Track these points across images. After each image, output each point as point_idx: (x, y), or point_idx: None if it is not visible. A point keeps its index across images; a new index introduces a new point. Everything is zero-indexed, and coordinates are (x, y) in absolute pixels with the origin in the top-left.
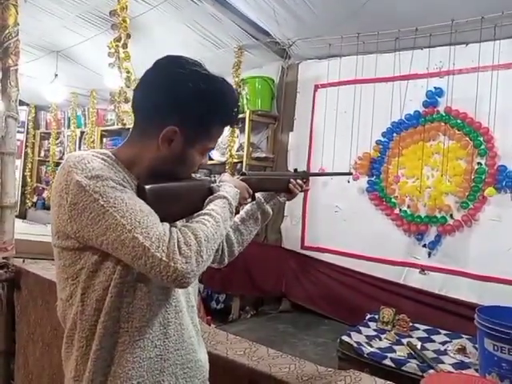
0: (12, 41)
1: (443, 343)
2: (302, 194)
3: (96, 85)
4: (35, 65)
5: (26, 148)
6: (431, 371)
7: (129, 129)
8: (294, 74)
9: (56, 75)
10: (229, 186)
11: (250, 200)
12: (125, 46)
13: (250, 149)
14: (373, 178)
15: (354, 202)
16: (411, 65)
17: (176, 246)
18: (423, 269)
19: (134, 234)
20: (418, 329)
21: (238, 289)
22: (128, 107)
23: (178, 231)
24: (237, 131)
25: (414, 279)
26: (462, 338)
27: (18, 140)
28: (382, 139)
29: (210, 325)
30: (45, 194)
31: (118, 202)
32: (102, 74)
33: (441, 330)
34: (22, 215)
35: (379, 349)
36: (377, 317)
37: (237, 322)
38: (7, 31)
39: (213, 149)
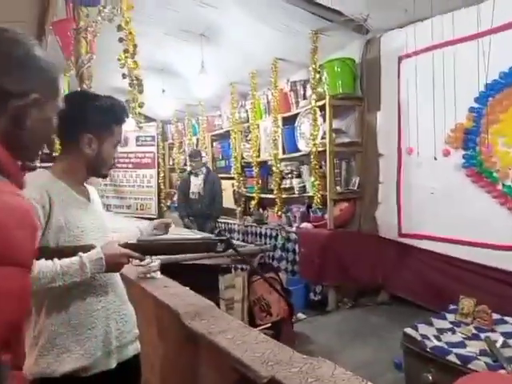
0: (84, 68)
1: None
2: (395, 177)
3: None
4: (147, 83)
5: (158, 159)
6: (502, 371)
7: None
8: (376, 48)
9: (163, 91)
10: (95, 252)
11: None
12: (133, 55)
13: (333, 135)
14: (468, 152)
15: (450, 180)
16: None
17: None
18: None
19: None
20: (506, 322)
21: (332, 280)
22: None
23: None
24: (320, 119)
25: None
26: None
27: (152, 152)
28: (476, 106)
29: (292, 315)
30: (175, 198)
31: None
32: (192, 84)
33: None
34: (160, 218)
35: (447, 343)
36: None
37: (334, 312)
38: (80, 60)
39: (119, 142)
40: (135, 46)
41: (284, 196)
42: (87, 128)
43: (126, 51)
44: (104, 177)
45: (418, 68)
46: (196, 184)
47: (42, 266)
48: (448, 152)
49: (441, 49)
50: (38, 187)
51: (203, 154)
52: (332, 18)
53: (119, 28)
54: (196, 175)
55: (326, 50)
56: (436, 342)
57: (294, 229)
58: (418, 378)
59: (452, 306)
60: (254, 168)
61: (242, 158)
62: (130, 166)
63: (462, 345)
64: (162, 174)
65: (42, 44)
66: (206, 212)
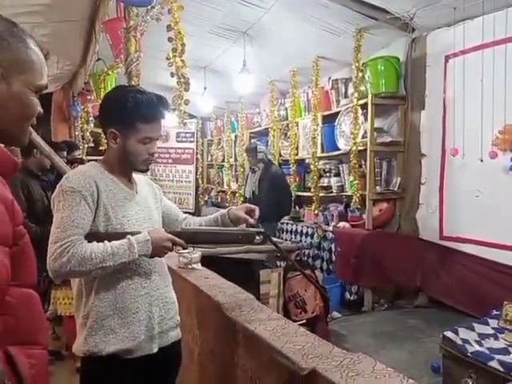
0: (133, 65)
1: None
2: (438, 178)
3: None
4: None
5: (196, 155)
6: None
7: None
8: (422, 47)
9: (205, 88)
10: (143, 235)
11: (184, 247)
12: (181, 54)
13: (375, 134)
14: None
15: (497, 184)
16: None
17: (57, 250)
18: None
19: (54, 229)
20: None
21: (369, 281)
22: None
23: (75, 244)
24: (361, 118)
25: None
26: None
27: (191, 148)
28: None
29: (327, 313)
30: (212, 193)
31: (65, 208)
32: (233, 82)
33: None
34: (197, 212)
35: (489, 349)
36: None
37: (369, 313)
38: (129, 58)
39: (150, 139)
40: (183, 45)
41: (321, 194)
42: (111, 123)
43: (174, 50)
44: (141, 171)
45: (466, 67)
46: (251, 182)
47: (94, 247)
48: (495, 154)
49: (491, 47)
50: (87, 177)
51: (260, 149)
52: (377, 16)
53: (169, 28)
54: (253, 172)
55: (370, 49)
56: (477, 347)
57: (330, 228)
58: (458, 382)
59: (495, 312)
60: (291, 165)
61: (280, 155)
62: (170, 161)
63: (505, 351)
64: (200, 170)
65: (92, 41)
66: (264, 214)
